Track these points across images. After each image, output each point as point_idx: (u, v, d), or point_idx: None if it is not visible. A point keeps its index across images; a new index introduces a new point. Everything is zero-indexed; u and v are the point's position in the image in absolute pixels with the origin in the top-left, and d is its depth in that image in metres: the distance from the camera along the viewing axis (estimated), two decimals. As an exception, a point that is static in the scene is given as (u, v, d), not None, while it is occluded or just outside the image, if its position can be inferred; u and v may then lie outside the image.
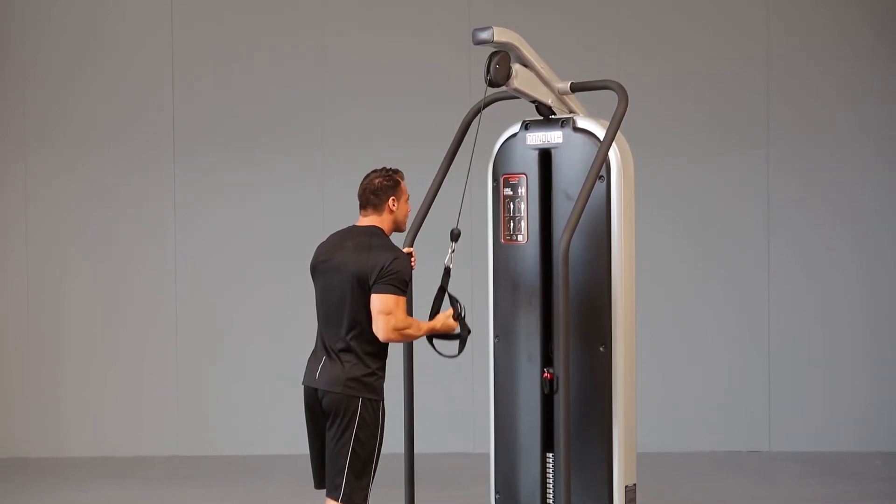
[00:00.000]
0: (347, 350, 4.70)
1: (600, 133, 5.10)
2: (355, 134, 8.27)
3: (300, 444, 7.88)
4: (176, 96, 8.26)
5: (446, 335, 4.92)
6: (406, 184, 4.87)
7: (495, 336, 5.37)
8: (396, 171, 4.89)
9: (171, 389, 8.26)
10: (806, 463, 7.80)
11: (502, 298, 5.38)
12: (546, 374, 5.18)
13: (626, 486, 5.14)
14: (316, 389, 4.74)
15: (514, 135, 5.37)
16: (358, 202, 4.85)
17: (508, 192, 5.36)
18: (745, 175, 8.22)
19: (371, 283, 4.65)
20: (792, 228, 8.20)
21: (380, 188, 4.82)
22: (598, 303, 5.11)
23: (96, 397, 8.27)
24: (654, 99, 8.08)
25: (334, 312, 4.73)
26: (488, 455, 5.46)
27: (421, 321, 4.80)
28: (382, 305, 4.63)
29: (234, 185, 8.30)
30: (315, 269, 4.84)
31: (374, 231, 4.80)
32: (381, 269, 4.64)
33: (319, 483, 4.85)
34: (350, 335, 4.69)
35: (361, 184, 4.84)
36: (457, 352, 4.97)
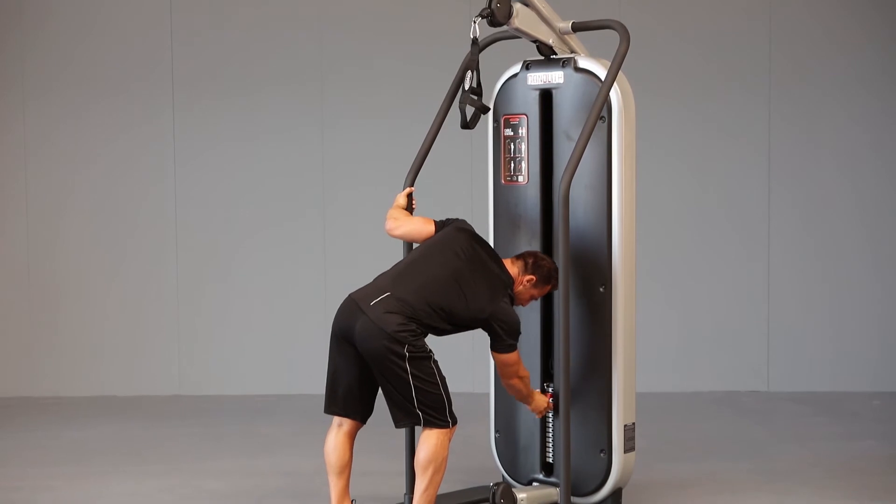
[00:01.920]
0: None
1: (602, 73, 5.07)
2: (355, 78, 8.22)
3: (302, 383, 7.99)
4: (175, 42, 8.20)
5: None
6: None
7: (495, 276, 5.37)
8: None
9: (172, 329, 8.28)
10: (804, 403, 7.83)
11: (502, 239, 5.39)
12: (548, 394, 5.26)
13: (626, 426, 5.17)
14: None
15: (515, 75, 5.35)
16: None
17: (509, 132, 5.34)
18: (747, 118, 8.17)
19: None
20: (792, 170, 8.18)
21: None
22: (597, 243, 5.11)
23: (97, 337, 8.29)
24: (655, 43, 8.02)
25: None
26: (488, 395, 5.48)
27: None
28: None
29: (234, 129, 8.25)
30: None
31: None
32: None
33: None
34: None
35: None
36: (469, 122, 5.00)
